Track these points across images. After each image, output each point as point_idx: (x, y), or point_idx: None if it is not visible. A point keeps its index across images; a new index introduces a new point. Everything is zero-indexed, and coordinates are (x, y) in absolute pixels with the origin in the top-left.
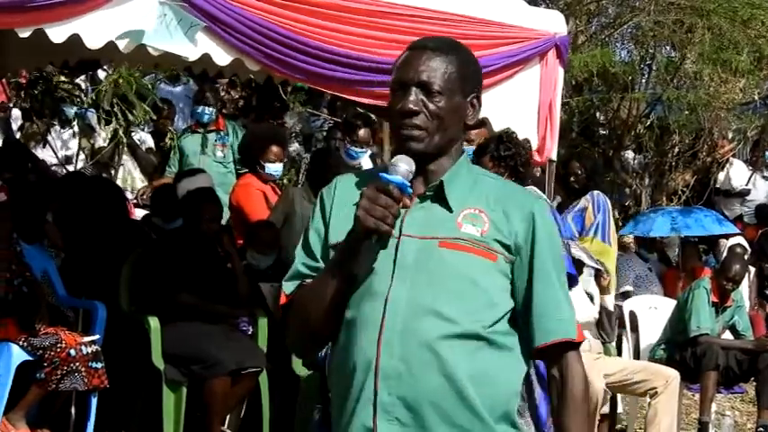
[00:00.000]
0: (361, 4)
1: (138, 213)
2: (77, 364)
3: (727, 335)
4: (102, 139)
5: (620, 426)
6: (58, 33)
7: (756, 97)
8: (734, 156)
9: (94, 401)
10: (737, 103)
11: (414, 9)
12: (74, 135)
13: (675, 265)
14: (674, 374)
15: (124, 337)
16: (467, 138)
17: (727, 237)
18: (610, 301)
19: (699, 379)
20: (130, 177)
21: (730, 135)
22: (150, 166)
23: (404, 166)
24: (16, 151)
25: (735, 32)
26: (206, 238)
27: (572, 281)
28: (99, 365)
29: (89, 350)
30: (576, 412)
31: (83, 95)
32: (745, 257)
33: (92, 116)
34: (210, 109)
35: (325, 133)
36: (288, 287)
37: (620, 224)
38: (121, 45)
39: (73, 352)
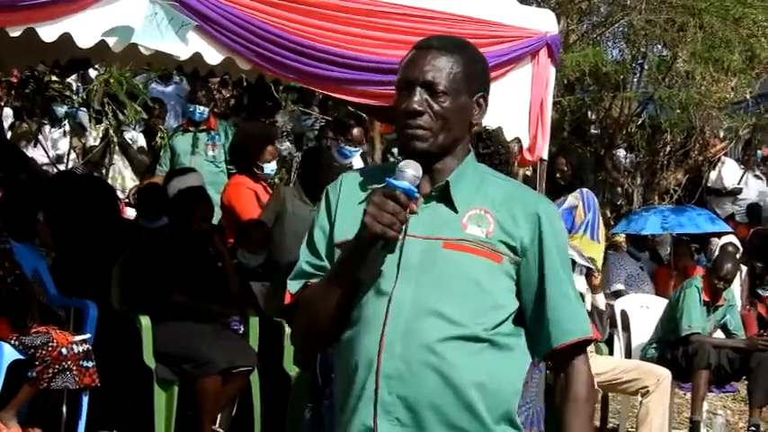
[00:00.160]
0: (350, 3)
1: (130, 213)
2: (69, 362)
3: (719, 334)
4: (93, 138)
5: (611, 425)
6: (49, 32)
7: (748, 96)
8: (725, 155)
9: (86, 400)
10: (729, 102)
11: (404, 8)
12: (65, 134)
13: (667, 263)
14: (665, 373)
15: (115, 336)
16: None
17: (718, 235)
18: (600, 300)
19: (690, 378)
20: (121, 177)
21: (722, 134)
22: (142, 165)
23: (411, 171)
24: (7, 150)
25: (726, 31)
26: (197, 238)
27: None
28: (90, 364)
29: (80, 349)
30: (579, 412)
31: (73, 95)
32: (737, 256)
33: (83, 115)
34: (203, 108)
35: (316, 132)
36: (293, 286)
37: (612, 223)
38: (112, 44)
39: (64, 351)
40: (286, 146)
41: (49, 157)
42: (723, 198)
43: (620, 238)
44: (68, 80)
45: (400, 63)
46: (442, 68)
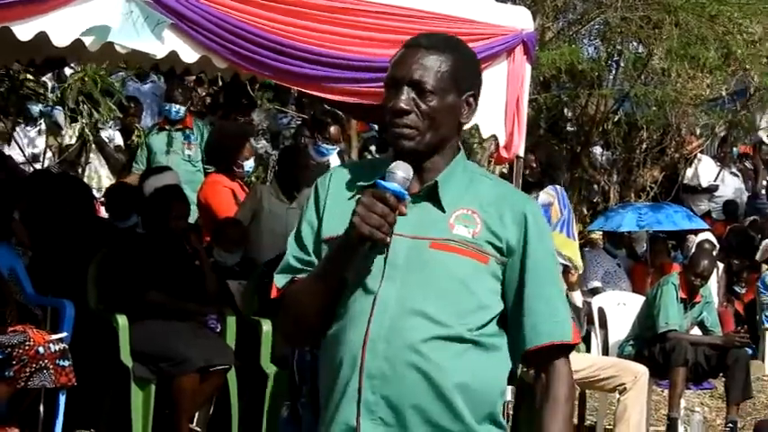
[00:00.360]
0: (325, 1)
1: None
2: (46, 361)
3: (696, 331)
4: (69, 137)
5: (588, 422)
6: (24, 31)
7: (724, 93)
8: (702, 152)
9: (63, 399)
10: (705, 99)
11: (379, 6)
12: (40, 133)
13: (644, 260)
14: (642, 370)
15: (92, 335)
16: None
17: (695, 233)
18: (578, 298)
19: (668, 375)
20: (97, 176)
21: (698, 131)
22: (118, 163)
23: (401, 173)
24: None
25: (702, 28)
26: (174, 236)
27: None
28: (66, 363)
29: (57, 348)
30: (557, 413)
31: (49, 93)
32: (714, 253)
33: (59, 114)
34: (179, 107)
35: (292, 130)
36: (279, 281)
37: (589, 221)
38: (88, 42)
39: (41, 349)
40: (262, 144)
41: (24, 155)
42: (699, 195)
43: (597, 235)
44: (43, 79)
45: (390, 61)
46: (429, 67)
